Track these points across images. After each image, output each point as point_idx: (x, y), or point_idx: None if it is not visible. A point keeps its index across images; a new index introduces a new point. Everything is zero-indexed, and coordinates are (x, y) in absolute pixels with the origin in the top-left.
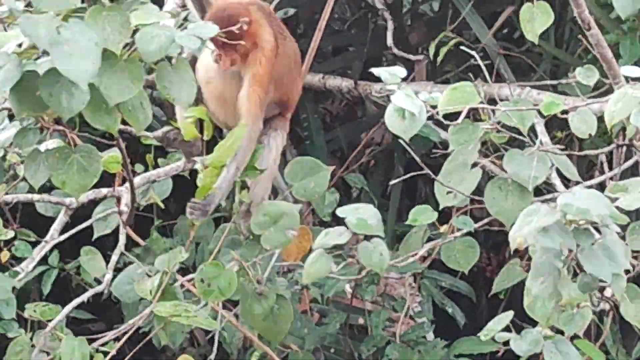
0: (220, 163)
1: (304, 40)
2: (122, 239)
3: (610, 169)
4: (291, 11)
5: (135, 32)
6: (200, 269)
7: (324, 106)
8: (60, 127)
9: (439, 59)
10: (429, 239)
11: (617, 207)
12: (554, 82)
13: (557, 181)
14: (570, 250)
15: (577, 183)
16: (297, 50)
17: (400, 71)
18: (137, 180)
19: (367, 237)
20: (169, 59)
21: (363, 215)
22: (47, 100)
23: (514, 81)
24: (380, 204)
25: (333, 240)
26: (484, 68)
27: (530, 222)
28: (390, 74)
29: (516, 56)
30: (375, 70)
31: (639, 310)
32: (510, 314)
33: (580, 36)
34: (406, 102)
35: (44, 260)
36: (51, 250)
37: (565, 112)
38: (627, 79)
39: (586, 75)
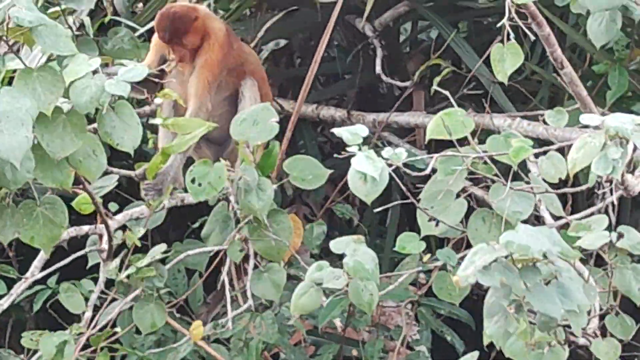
0: (172, 151)
1: (301, 68)
2: (102, 277)
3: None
4: (282, 42)
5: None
6: (190, 170)
7: (325, 134)
8: None
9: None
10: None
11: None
12: (541, 112)
13: (545, 214)
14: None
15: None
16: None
17: (362, 130)
18: (119, 217)
19: None
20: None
21: (360, 257)
22: None
23: (510, 110)
24: (379, 231)
25: (328, 283)
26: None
27: (475, 261)
28: (351, 133)
29: (515, 83)
30: (336, 131)
31: (610, 347)
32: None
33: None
34: (367, 165)
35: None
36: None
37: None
38: None
39: (556, 118)
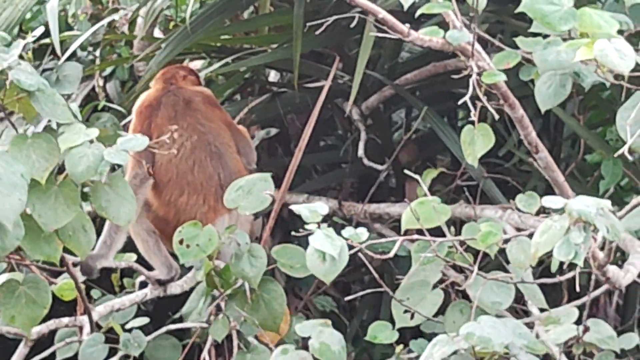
0: None
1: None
2: None
3: None
4: (273, 131)
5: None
6: (179, 230)
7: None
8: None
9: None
10: None
11: None
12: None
13: (533, 308)
14: None
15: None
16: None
17: (322, 208)
18: (100, 308)
19: None
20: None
21: (326, 339)
22: None
23: (502, 202)
24: None
25: None
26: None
27: (434, 353)
28: (310, 211)
29: (507, 174)
30: (294, 207)
31: None
32: None
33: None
34: (325, 244)
35: None
36: None
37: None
38: None
39: (527, 202)
